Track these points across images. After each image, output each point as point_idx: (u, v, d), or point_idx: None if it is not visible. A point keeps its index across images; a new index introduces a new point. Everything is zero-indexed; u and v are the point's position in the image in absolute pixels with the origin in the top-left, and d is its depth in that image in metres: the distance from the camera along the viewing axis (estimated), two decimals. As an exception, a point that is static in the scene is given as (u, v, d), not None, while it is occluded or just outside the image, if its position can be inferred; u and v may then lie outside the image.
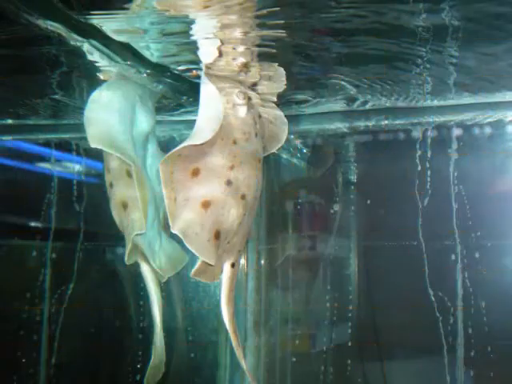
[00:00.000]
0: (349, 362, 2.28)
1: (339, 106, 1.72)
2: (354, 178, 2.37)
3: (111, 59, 1.32)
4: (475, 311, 2.02)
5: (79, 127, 1.54)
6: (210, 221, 1.25)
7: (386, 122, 1.79)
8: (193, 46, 1.26)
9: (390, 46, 1.25)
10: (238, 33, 1.18)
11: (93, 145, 1.34)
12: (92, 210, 2.31)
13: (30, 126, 2.03)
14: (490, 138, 1.98)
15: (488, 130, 1.93)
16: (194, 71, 1.41)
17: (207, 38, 1.21)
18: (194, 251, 1.22)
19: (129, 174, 1.40)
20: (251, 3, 1.05)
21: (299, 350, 2.37)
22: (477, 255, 2.04)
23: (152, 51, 1.31)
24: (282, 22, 1.12)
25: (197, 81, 1.40)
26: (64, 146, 2.28)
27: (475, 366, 2.03)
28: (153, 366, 1.54)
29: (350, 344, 2.28)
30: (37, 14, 1.10)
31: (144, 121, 1.48)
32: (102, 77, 1.46)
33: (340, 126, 1.87)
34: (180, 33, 1.19)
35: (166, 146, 1.62)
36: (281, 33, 1.17)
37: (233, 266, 1.36)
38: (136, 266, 1.52)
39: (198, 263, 1.26)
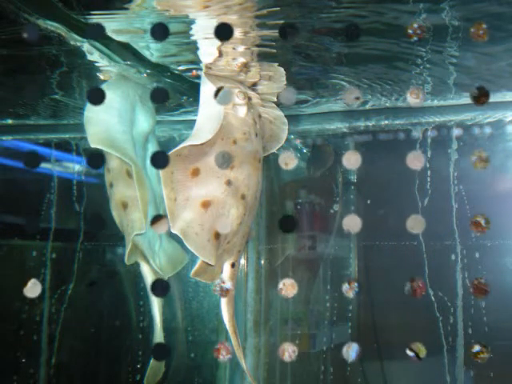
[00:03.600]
0: (349, 362, 2.28)
1: (339, 106, 1.73)
2: (353, 178, 2.37)
3: (111, 59, 1.32)
4: (475, 311, 2.02)
5: (79, 127, 1.54)
6: (210, 221, 1.25)
7: (386, 121, 1.79)
8: (193, 46, 1.26)
9: (390, 46, 1.25)
10: (238, 33, 1.18)
11: (93, 145, 1.35)
12: (92, 209, 2.30)
13: (30, 126, 2.03)
14: (490, 138, 1.98)
15: (488, 130, 1.93)
16: (194, 71, 1.42)
17: (207, 38, 1.21)
18: (193, 251, 1.22)
19: (129, 174, 1.40)
20: (251, 3, 1.05)
21: (299, 350, 2.36)
22: (477, 255, 2.04)
23: (152, 51, 1.31)
24: (282, 22, 1.12)
25: (197, 81, 1.40)
26: (64, 146, 2.28)
27: (475, 366, 2.03)
28: (153, 366, 1.54)
29: (349, 344, 2.27)
30: (37, 14, 1.10)
31: (144, 121, 1.48)
32: (102, 77, 1.46)
33: (340, 125, 1.87)
34: (180, 33, 1.19)
35: (166, 145, 1.62)
36: (281, 33, 1.17)
37: (233, 265, 1.36)
38: (136, 265, 1.52)
39: (198, 263, 1.26)
